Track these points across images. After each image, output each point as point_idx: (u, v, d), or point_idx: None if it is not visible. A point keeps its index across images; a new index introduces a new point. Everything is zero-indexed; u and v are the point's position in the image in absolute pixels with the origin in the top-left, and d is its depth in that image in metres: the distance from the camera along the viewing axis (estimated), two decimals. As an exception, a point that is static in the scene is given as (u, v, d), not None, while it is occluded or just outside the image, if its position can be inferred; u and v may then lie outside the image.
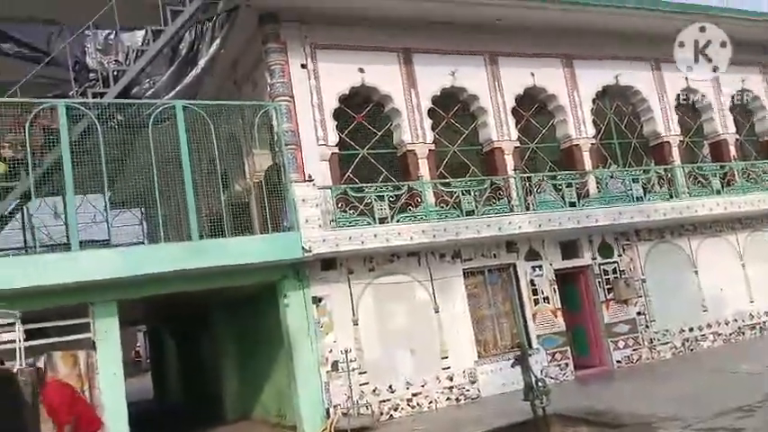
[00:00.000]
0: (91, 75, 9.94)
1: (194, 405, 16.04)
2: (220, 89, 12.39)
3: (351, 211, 10.64)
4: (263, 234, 10.11)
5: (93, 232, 10.18)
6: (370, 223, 10.57)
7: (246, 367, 12.76)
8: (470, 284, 11.79)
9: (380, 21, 11.49)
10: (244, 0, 10.31)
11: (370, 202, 10.76)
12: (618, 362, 12.71)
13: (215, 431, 12.21)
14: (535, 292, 12.20)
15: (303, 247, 9.87)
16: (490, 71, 12.74)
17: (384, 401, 10.50)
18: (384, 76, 11.70)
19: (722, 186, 14.34)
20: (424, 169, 11.68)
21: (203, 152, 9.90)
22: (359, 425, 9.83)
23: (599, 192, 12.96)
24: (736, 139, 15.68)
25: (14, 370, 5.25)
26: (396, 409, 10.57)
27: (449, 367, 11.08)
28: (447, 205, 11.46)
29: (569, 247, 12.78)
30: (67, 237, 8.75)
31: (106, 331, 8.72)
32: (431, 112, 12.07)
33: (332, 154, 11.03)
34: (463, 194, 11.51)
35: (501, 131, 12.61)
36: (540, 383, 8.37)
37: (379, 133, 11.96)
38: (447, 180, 11.82)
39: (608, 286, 13.00)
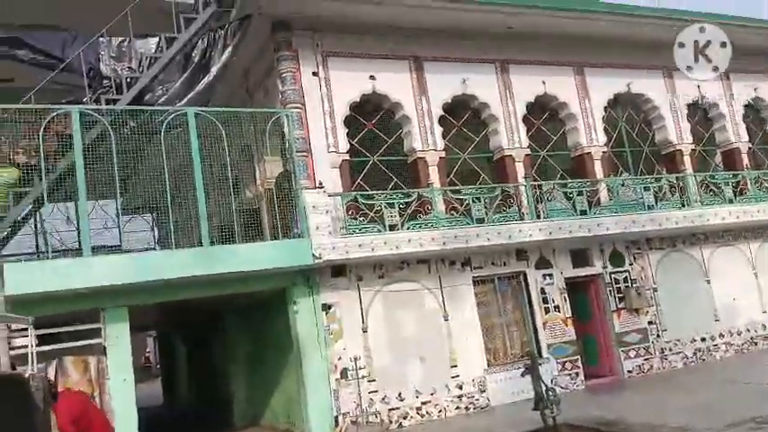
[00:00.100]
0: (104, 81, 10.05)
1: (204, 411, 16.06)
2: (232, 96, 12.46)
3: (361, 219, 10.65)
4: (273, 240, 10.13)
5: (105, 238, 10.23)
6: (380, 230, 10.57)
7: (256, 373, 12.77)
8: (480, 292, 11.75)
9: (391, 29, 11.52)
10: (256, 8, 10.38)
11: (381, 210, 10.76)
12: (629, 371, 12.62)
13: (224, 437, 12.24)
14: (545, 301, 12.14)
15: (313, 254, 9.88)
16: (501, 79, 12.75)
17: (393, 410, 10.47)
18: (395, 83, 11.73)
19: (735, 195, 14.25)
20: (434, 177, 11.68)
21: (215, 158, 9.94)
22: (368, 433, 9.82)
23: (610, 200, 12.90)
24: (749, 148, 15.57)
25: (26, 375, 5.27)
26: (405, 418, 10.53)
27: (458, 376, 11.03)
28: (457, 213, 11.45)
29: (580, 256, 12.72)
30: (79, 242, 8.80)
31: (117, 337, 8.75)
32: (441, 120, 12.07)
33: (342, 161, 11.05)
34: (473, 202, 11.49)
35: (512, 139, 12.60)
36: (550, 393, 8.34)
37: (390, 140, 11.98)
38: (457, 187, 11.81)
39: (619, 295, 12.92)
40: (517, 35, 12.56)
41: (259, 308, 11.81)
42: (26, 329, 6.04)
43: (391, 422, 10.37)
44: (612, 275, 12.98)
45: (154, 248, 12.06)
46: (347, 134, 11.22)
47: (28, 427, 4.82)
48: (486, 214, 11.48)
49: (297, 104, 10.76)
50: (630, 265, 13.24)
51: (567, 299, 12.34)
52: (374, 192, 11.04)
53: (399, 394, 10.55)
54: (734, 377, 11.58)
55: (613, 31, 13.24)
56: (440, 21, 11.74)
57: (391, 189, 11.39)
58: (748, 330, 14.15)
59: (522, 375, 9.17)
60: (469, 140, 12.84)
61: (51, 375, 7.58)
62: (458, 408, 10.93)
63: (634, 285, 13.05)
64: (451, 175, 12.32)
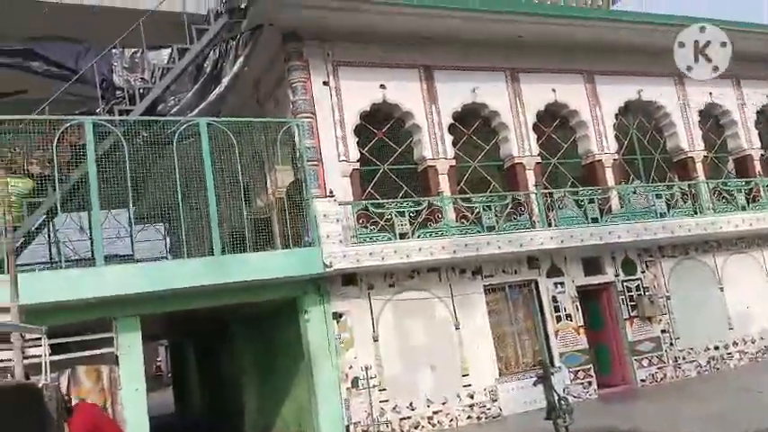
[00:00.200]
0: (117, 92, 10.15)
1: (215, 420, 16.07)
2: (243, 106, 12.53)
3: (371, 227, 10.66)
4: (284, 249, 10.15)
5: (117, 247, 10.30)
6: (390, 239, 10.57)
7: (267, 383, 12.77)
8: (491, 301, 11.70)
9: (401, 38, 11.56)
10: (267, 19, 10.46)
11: (391, 218, 10.77)
12: (642, 380, 12.51)
13: (235, 446, 12.23)
14: (557, 309, 12.08)
15: (324, 263, 9.89)
16: (511, 87, 12.75)
17: (404, 419, 10.43)
18: (405, 92, 11.77)
19: (747, 202, 14.14)
20: (444, 185, 11.68)
21: (226, 168, 9.99)
22: (379, 442, 9.79)
23: (622, 207, 12.84)
24: (762, 155, 15.46)
25: (40, 385, 5.30)
26: (416, 427, 10.48)
27: (470, 385, 10.98)
28: (468, 221, 11.43)
29: (592, 264, 12.65)
30: (92, 251, 8.86)
31: (129, 346, 8.78)
32: (451, 128, 12.09)
33: (353, 170, 11.08)
34: (484, 210, 11.47)
35: (522, 147, 12.58)
36: (562, 402, 8.29)
37: (400, 149, 12.00)
38: (468, 196, 11.79)
39: (631, 303, 12.84)
40: (527, 44, 12.57)
41: (270, 317, 11.82)
42: (39, 339, 6.07)
43: (402, 432, 10.35)
44: (625, 283, 12.90)
45: (166, 257, 12.12)
46: (358, 143, 11.25)
47: (42, 436, 4.84)
48: (497, 222, 11.46)
49: (307, 114, 10.82)
50: (643, 272, 13.15)
51: (579, 307, 12.27)
52: (385, 200, 11.05)
53: (410, 404, 10.51)
54: (748, 386, 11.45)
55: (624, 39, 13.21)
56: (450, 30, 11.77)
57: (402, 197, 11.40)
58: (762, 338, 14.00)
59: (535, 384, 9.11)
60: (480, 148, 12.84)
61: (64, 385, 7.62)
62: (469, 417, 10.87)
63: (647, 293, 12.96)
64: (462, 184, 12.32)
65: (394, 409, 10.38)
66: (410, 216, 10.90)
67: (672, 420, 9.19)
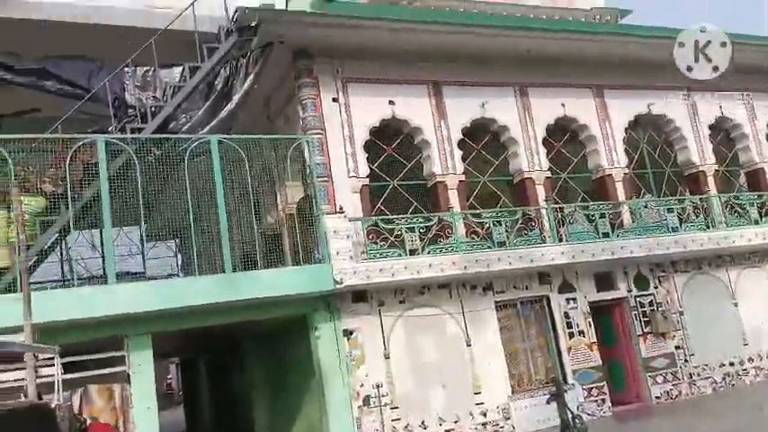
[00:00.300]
0: (129, 110, 10.24)
1: (225, 437, 15.99)
2: (254, 123, 12.58)
3: (381, 243, 10.62)
4: (294, 266, 10.13)
5: (129, 264, 10.32)
6: (400, 255, 10.53)
7: (278, 400, 12.70)
8: (503, 317, 11.61)
9: (410, 55, 11.60)
10: (277, 37, 10.53)
11: (401, 234, 10.74)
12: (657, 397, 12.34)
13: (245, 464, 12.14)
14: (570, 326, 11.96)
15: (334, 279, 9.86)
16: (520, 102, 12.75)
17: (416, 437, 10.33)
18: (414, 108, 11.79)
19: (760, 216, 14.01)
20: (454, 200, 11.65)
21: (237, 185, 10.02)
22: (391, 461, 9.68)
23: (633, 222, 12.75)
24: (774, 168, 15.36)
25: (53, 405, 5.29)
26: (428, 445, 10.38)
27: (482, 402, 10.86)
28: (478, 237, 11.38)
29: (604, 279, 12.55)
30: (104, 269, 8.87)
31: (140, 364, 8.76)
32: (461, 143, 12.08)
33: (363, 186, 11.08)
34: (494, 225, 11.41)
35: (532, 162, 12.56)
36: (576, 420, 8.20)
37: (410, 165, 11.99)
38: (478, 211, 11.75)
39: (645, 319, 12.70)
40: (535, 59, 12.58)
41: (280, 334, 11.78)
42: (52, 358, 6.07)
43: (414, 450, 10.23)
44: (637, 299, 12.78)
45: (177, 274, 12.13)
46: (367, 159, 11.27)
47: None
48: (508, 238, 11.40)
49: (317, 130, 10.85)
50: (656, 288, 13.03)
51: (592, 323, 12.15)
52: (394, 216, 11.02)
53: (422, 422, 10.41)
54: (763, 402, 11.28)
55: (633, 53, 13.19)
56: (458, 46, 11.81)
57: (411, 213, 11.38)
58: (778, 354, 13.82)
59: (548, 402, 9.04)
60: (489, 163, 12.81)
61: (76, 404, 7.60)
62: (482, 435, 10.76)
63: (660, 309, 12.82)
64: (471, 199, 12.27)
65: (406, 427, 10.28)
66: (420, 232, 10.86)
67: (688, 438, 9.06)
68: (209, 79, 10.65)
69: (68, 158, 8.82)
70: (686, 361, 12.82)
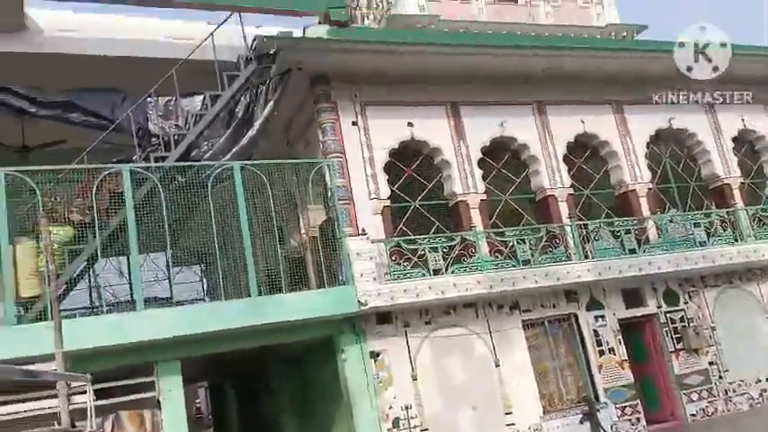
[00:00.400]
0: (153, 139, 10.41)
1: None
2: (274, 149, 12.69)
3: (405, 264, 10.57)
4: (319, 289, 10.12)
5: (156, 290, 10.38)
6: (424, 275, 10.46)
7: (306, 423, 12.57)
8: (531, 336, 11.44)
9: (427, 77, 11.67)
10: (295, 64, 10.68)
11: (424, 254, 10.69)
12: (692, 415, 12.01)
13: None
14: (599, 343, 11.73)
15: (359, 301, 9.81)
16: (539, 120, 12.74)
17: (447, 460, 10.14)
18: (433, 129, 11.83)
19: (789, 228, 13.75)
20: (476, 219, 11.59)
21: (260, 209, 10.08)
22: (422, 485, 9.49)
23: (660, 237, 12.57)
24: (800, 179, 15.12)
25: None
26: (459, 469, 10.18)
27: (513, 423, 10.64)
28: (502, 255, 11.27)
29: (632, 296, 12.34)
30: (131, 295, 8.93)
31: (170, 390, 8.75)
32: (481, 162, 12.07)
33: (384, 207, 11.08)
34: (518, 243, 11.31)
35: (553, 179, 12.49)
36: (612, 439, 7.98)
37: (430, 185, 11.99)
38: (501, 230, 11.67)
39: (676, 335, 12.43)
40: (553, 76, 12.58)
41: (307, 357, 11.72)
42: (84, 385, 6.07)
43: (445, 474, 10.04)
44: (668, 315, 12.53)
45: (203, 299, 12.17)
46: (388, 180, 11.29)
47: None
48: (533, 256, 11.28)
49: (337, 154, 10.92)
50: (686, 303, 12.78)
51: (622, 340, 11.91)
52: (417, 236, 10.99)
53: (452, 444, 10.23)
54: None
55: (651, 69, 13.13)
56: (475, 67, 11.88)
57: (434, 233, 11.33)
58: (815, 368, 13.41)
59: (581, 422, 8.88)
60: (510, 182, 12.76)
61: (108, 430, 7.58)
62: (514, 457, 10.53)
63: (691, 324, 12.55)
64: (494, 217, 12.20)
65: (436, 450, 10.11)
66: (443, 252, 10.80)
67: (728, 456, 8.78)
68: (230, 107, 10.80)
69: (95, 188, 8.95)
70: (721, 377, 12.50)
